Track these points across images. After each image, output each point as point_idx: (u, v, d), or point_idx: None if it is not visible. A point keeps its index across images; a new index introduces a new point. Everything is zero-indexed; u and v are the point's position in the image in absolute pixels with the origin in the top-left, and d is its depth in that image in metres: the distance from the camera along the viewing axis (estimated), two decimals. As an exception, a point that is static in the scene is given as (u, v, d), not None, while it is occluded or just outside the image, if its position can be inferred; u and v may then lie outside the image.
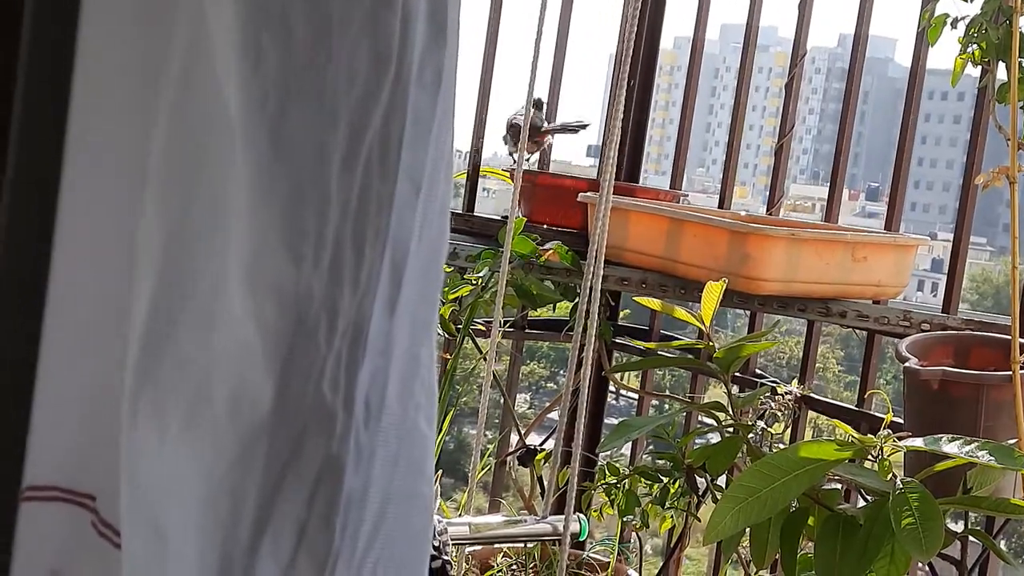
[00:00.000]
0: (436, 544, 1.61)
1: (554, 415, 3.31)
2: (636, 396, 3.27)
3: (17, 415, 0.72)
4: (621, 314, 3.27)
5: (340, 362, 0.77)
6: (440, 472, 2.91)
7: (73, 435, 0.86)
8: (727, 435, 2.11)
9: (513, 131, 3.07)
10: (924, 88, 2.77)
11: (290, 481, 0.77)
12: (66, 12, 0.70)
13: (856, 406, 2.76)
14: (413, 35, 0.77)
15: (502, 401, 3.19)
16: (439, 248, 0.87)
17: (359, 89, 0.75)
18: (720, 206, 3.11)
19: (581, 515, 1.75)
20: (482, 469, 2.94)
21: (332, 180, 0.75)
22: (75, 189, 0.77)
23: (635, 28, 1.98)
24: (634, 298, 2.46)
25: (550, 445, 3.02)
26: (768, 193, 3.13)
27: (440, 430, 2.83)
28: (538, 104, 3.11)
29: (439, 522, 1.65)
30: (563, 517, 1.72)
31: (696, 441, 2.46)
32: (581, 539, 1.80)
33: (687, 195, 3.29)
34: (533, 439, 3.20)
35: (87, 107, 0.77)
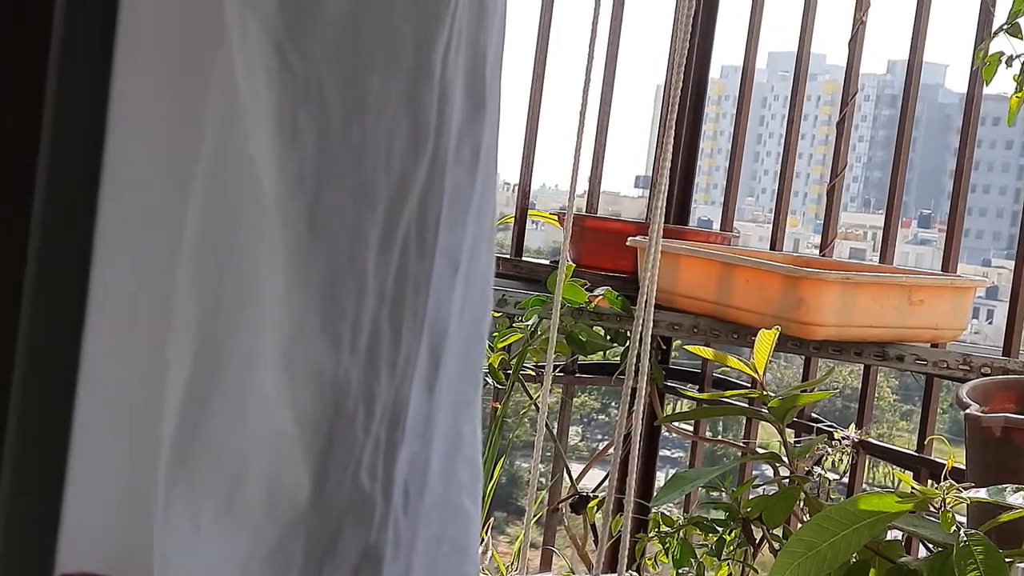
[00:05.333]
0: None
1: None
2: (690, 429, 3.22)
3: (49, 506, 0.70)
4: (674, 344, 3.22)
5: (378, 449, 0.75)
6: (492, 515, 2.88)
7: (106, 521, 0.84)
8: (784, 485, 2.07)
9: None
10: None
11: (327, 573, 0.74)
12: (97, 88, 0.68)
13: (916, 451, 2.70)
14: (451, 110, 0.74)
15: (554, 446, 3.15)
16: (481, 323, 0.85)
17: (396, 167, 0.73)
18: (772, 247, 3.07)
19: (635, 574, 1.71)
20: (536, 515, 2.91)
21: (369, 261, 0.73)
22: (107, 268, 0.75)
23: (683, 67, 1.95)
24: (686, 347, 2.43)
25: (602, 490, 2.98)
26: (818, 223, 3.08)
27: (492, 477, 2.80)
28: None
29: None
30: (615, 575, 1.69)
31: (752, 489, 2.41)
32: (635, 599, 1.76)
33: (738, 235, 3.25)
34: (588, 475, 3.17)
35: (118, 186, 0.76)
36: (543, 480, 3.45)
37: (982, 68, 2.25)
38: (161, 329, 0.79)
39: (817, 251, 3.05)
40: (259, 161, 0.73)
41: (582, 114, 2.02)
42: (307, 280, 0.72)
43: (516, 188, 3.27)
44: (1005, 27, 2.18)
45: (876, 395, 2.94)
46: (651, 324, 1.86)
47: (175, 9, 0.76)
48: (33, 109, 0.52)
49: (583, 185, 3.36)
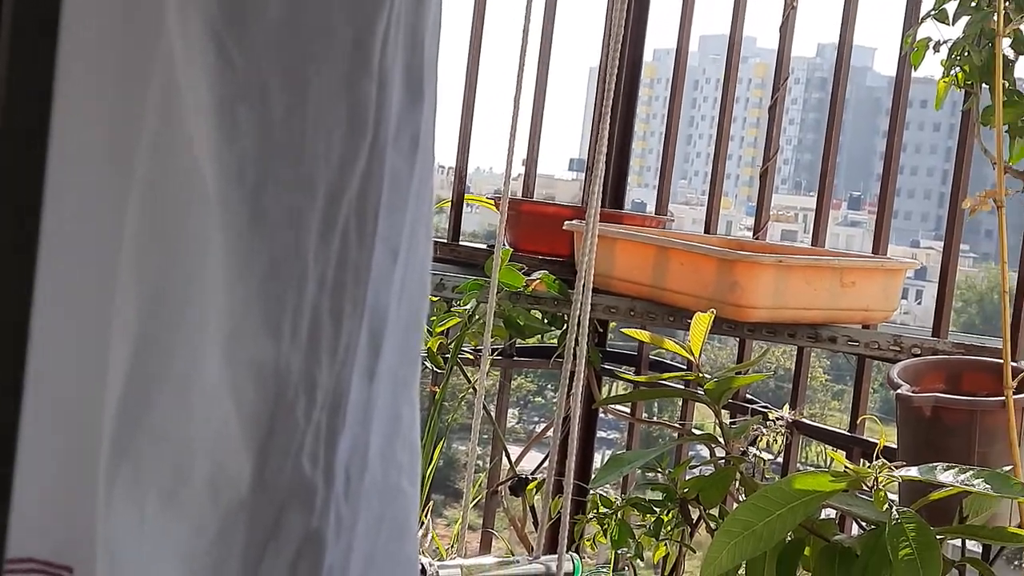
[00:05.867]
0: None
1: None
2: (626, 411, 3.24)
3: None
4: (611, 327, 3.24)
5: (319, 435, 0.75)
6: (430, 498, 2.89)
7: (50, 506, 0.84)
8: (720, 466, 2.09)
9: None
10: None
11: (270, 559, 0.75)
12: (42, 77, 0.67)
13: (848, 431, 2.74)
14: (389, 99, 0.74)
15: (492, 429, 3.16)
16: (420, 309, 0.85)
17: (336, 157, 0.73)
18: (706, 230, 3.09)
19: (574, 555, 1.72)
20: (475, 498, 2.92)
21: (310, 252, 0.73)
22: (50, 261, 0.75)
23: (619, 53, 1.95)
24: (623, 330, 2.44)
25: (541, 472, 3.00)
26: (750, 205, 3.12)
27: (431, 459, 2.80)
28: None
29: (431, 565, 1.63)
30: (556, 556, 1.70)
31: (689, 470, 2.43)
32: (575, 577, 1.77)
33: (673, 219, 3.27)
34: (526, 457, 3.18)
35: (62, 176, 0.75)
36: (481, 463, 3.46)
37: (911, 53, 2.28)
38: (107, 320, 0.79)
39: (750, 233, 3.07)
40: (199, 153, 0.73)
41: (516, 97, 2.02)
42: (248, 271, 0.72)
43: (451, 172, 3.27)
44: (933, 13, 2.21)
45: (809, 376, 2.97)
46: (589, 307, 1.87)
47: None
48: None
49: (518, 168, 3.36)
